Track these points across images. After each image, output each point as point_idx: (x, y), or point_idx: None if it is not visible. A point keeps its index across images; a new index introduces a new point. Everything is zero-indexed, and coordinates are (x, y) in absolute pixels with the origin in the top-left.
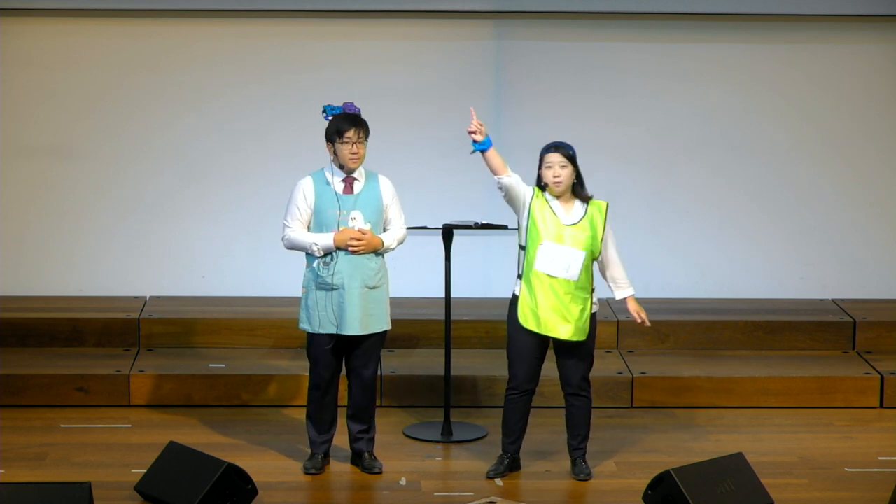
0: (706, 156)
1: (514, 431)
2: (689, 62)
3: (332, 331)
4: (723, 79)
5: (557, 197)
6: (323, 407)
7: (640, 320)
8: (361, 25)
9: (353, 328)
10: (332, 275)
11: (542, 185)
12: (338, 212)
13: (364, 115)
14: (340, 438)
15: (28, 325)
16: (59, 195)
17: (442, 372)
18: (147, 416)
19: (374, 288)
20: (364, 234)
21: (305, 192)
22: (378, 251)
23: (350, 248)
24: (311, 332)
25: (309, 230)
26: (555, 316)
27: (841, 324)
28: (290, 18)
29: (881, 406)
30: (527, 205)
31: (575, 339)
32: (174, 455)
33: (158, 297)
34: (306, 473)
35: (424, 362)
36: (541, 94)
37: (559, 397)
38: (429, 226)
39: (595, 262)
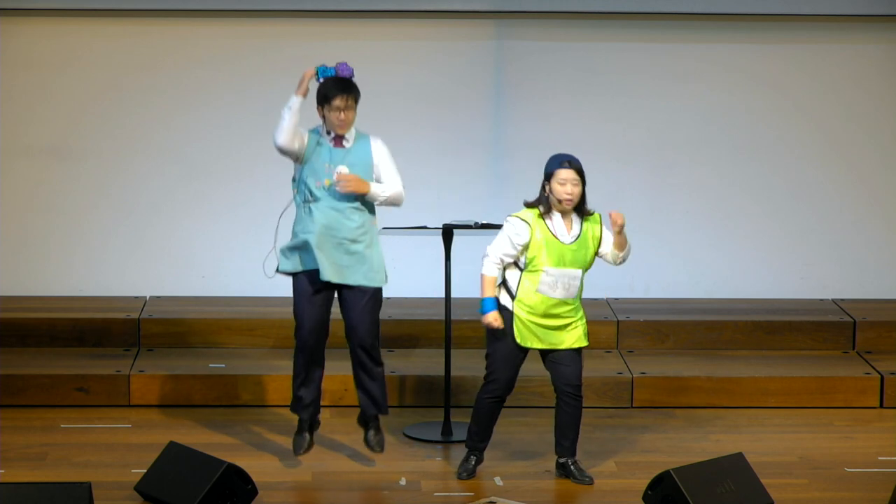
0: (706, 156)
1: (487, 433)
2: (689, 62)
3: (314, 267)
4: (723, 79)
5: (561, 213)
6: (307, 367)
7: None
8: (361, 25)
9: (328, 274)
10: (304, 228)
11: (540, 201)
12: (326, 164)
13: (363, 115)
14: (348, 438)
15: (28, 325)
16: (58, 195)
17: (442, 372)
18: (147, 416)
19: (353, 241)
20: (344, 176)
21: (301, 132)
22: (366, 196)
23: (338, 188)
24: (290, 271)
25: (298, 174)
26: (557, 331)
27: (841, 324)
28: (290, 18)
29: (881, 406)
30: (527, 242)
31: (578, 345)
32: (174, 455)
33: (158, 297)
34: (295, 453)
35: (424, 362)
36: (541, 94)
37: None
38: (429, 226)
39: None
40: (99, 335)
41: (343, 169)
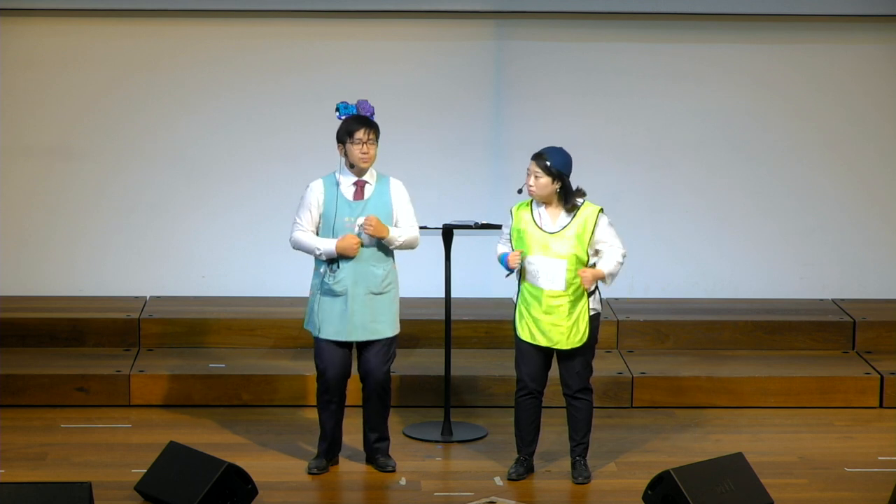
0: (706, 156)
1: (527, 433)
2: (689, 62)
3: (337, 338)
4: (723, 79)
5: (542, 204)
6: (330, 411)
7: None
8: (361, 25)
9: (357, 334)
10: (337, 282)
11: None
12: (345, 218)
13: None
14: (350, 438)
15: (28, 325)
16: (59, 195)
17: (442, 372)
18: (147, 416)
19: (379, 294)
20: (371, 219)
21: (316, 196)
22: (384, 240)
23: (364, 230)
24: (315, 335)
25: (317, 233)
26: (548, 326)
27: (841, 324)
28: (290, 18)
29: (881, 406)
30: (510, 229)
31: (569, 346)
32: (174, 455)
33: (158, 297)
34: (308, 472)
35: (424, 362)
36: (541, 94)
37: (559, 397)
38: (429, 226)
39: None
40: (99, 335)
41: (361, 220)
